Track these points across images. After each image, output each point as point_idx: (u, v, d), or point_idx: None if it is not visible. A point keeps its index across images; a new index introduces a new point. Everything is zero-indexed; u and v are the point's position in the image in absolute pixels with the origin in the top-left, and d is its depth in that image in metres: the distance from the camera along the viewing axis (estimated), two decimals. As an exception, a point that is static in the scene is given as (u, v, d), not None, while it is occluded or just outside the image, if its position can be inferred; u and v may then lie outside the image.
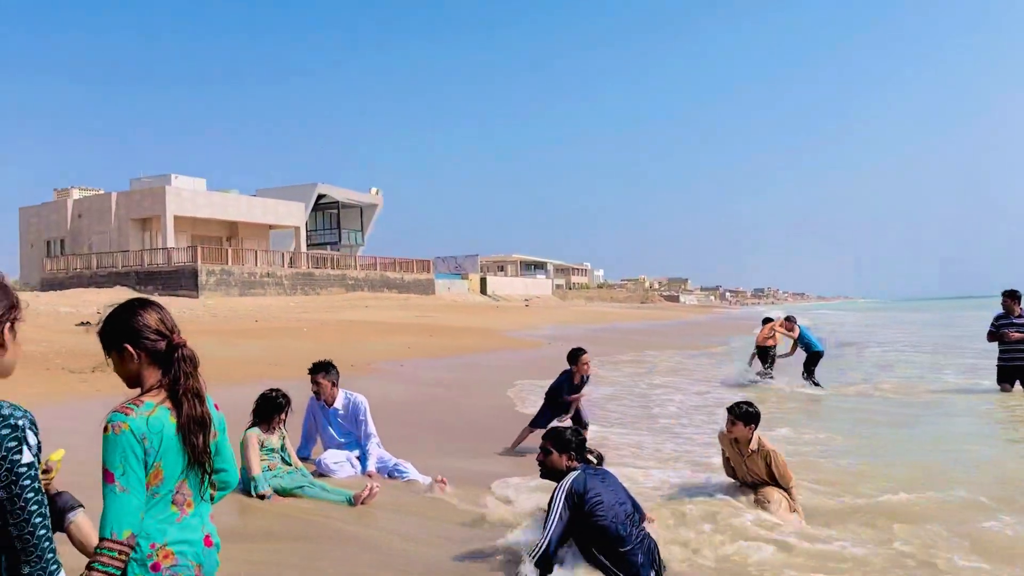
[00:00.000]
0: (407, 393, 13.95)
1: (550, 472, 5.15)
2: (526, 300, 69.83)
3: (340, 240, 65.41)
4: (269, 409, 6.91)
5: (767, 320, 17.26)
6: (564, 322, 45.53)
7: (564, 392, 9.43)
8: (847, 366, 20.94)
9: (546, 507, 5.15)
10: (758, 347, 16.64)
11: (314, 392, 7.76)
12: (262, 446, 6.81)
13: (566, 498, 4.79)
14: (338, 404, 7.81)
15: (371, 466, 7.52)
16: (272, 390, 6.99)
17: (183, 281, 44.98)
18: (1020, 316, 12.87)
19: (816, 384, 15.66)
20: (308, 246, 61.14)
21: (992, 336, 13.13)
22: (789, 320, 16.88)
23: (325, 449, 7.75)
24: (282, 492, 6.67)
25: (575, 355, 9.49)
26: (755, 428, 6.57)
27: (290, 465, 7.00)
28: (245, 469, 6.65)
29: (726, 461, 6.93)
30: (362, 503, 6.56)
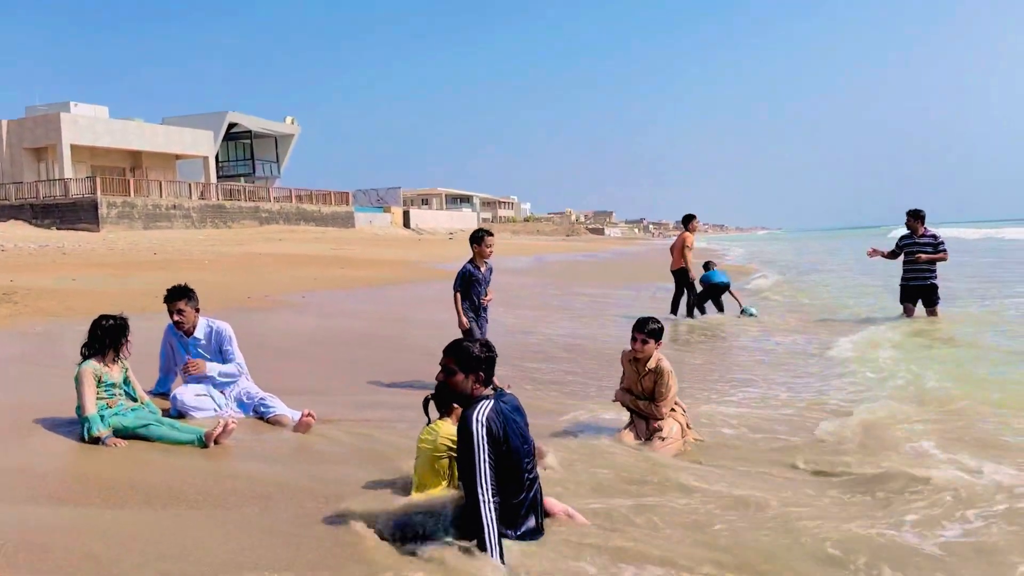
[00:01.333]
0: (311, 327, 13.06)
1: (453, 397, 4.27)
2: (451, 234, 68.79)
3: (254, 171, 62.80)
4: (105, 338, 6.01)
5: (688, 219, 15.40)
6: (494, 254, 44.81)
7: (474, 283, 8.46)
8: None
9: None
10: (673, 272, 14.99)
11: (176, 322, 6.86)
12: (99, 381, 5.93)
13: (489, 440, 3.93)
14: (199, 333, 6.93)
15: (211, 370, 6.75)
16: (106, 316, 6.07)
17: (82, 214, 42.46)
18: (924, 236, 12.75)
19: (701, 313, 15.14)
20: (220, 178, 58.51)
21: (894, 255, 13.05)
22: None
23: (185, 384, 6.90)
24: (124, 432, 5.83)
25: (478, 236, 8.55)
26: (658, 345, 6.15)
27: (135, 401, 6.15)
28: (79, 409, 5.79)
29: (622, 379, 6.42)
30: (215, 442, 5.78)
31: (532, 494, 4.19)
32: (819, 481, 5.36)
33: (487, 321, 8.72)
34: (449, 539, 4.02)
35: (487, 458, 3.91)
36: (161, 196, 46.19)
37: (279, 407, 6.67)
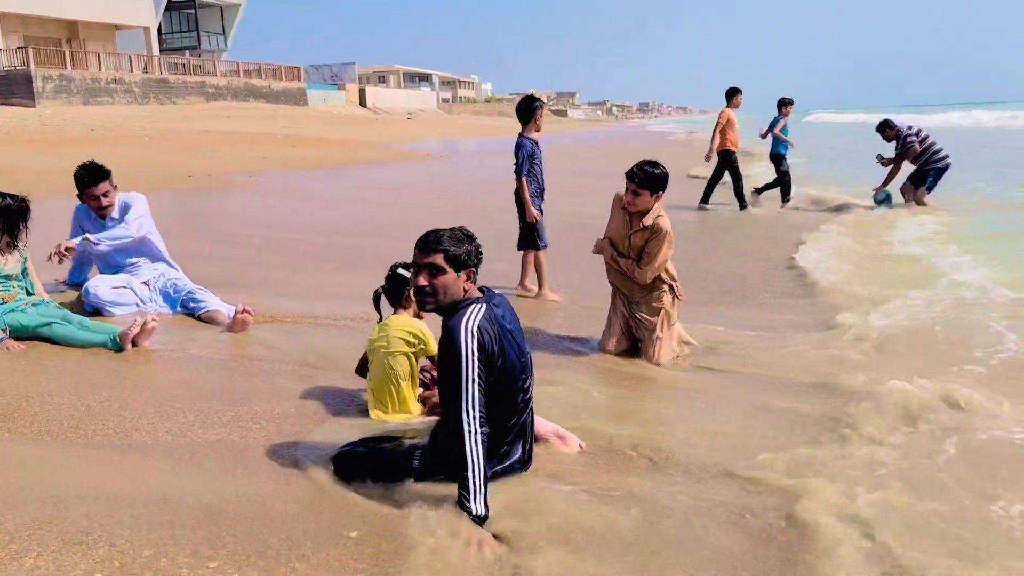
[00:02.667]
0: (256, 210, 11.97)
1: (438, 306, 3.24)
2: (409, 113, 66.33)
3: (200, 44, 59.09)
4: (-7, 221, 5.00)
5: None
6: (451, 135, 43.12)
7: (537, 161, 6.79)
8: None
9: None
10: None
11: (96, 208, 5.81)
12: (-11, 273, 4.96)
13: (480, 356, 3.09)
14: (115, 213, 5.91)
15: (155, 289, 5.80)
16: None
17: (15, 88, 39.66)
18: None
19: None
20: (162, 51, 55.02)
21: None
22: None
23: (100, 275, 5.94)
24: (23, 332, 4.92)
25: (533, 107, 6.77)
26: (658, 198, 5.07)
27: (34, 296, 5.20)
28: (-34, 305, 4.85)
29: (608, 225, 5.33)
30: (133, 344, 4.89)
31: (524, 418, 3.41)
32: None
33: (543, 212, 7.02)
34: (421, 481, 3.27)
35: (477, 379, 3.08)
36: (100, 69, 43.25)
37: (211, 302, 5.76)
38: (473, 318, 3.15)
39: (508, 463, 3.39)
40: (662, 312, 5.17)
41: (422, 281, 3.21)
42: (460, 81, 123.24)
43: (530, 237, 6.78)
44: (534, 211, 6.72)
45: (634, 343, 5.28)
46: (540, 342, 5.46)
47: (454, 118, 73.61)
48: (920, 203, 12.25)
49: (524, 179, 6.69)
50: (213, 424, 3.84)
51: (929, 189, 12.37)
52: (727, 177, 12.65)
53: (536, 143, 6.80)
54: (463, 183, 16.52)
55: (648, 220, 5.04)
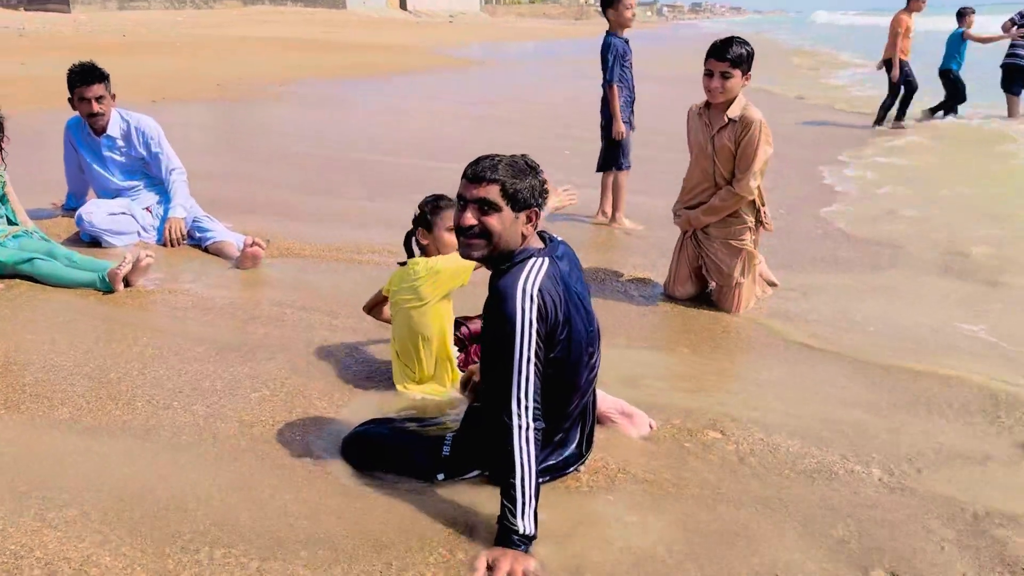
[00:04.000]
0: (284, 122, 11.18)
1: (490, 254, 2.46)
2: (451, 16, 64.10)
3: (236, -55, 57.27)
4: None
5: None
6: (496, 39, 41.35)
7: (626, 64, 5.74)
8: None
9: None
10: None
11: (87, 114, 5.09)
12: (-39, 200, 4.31)
13: (540, 327, 2.34)
14: (113, 131, 5.18)
15: (177, 212, 5.11)
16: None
17: (50, -7, 38.93)
18: None
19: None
20: (199, -48, 53.46)
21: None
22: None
23: (97, 200, 5.26)
24: (0, 268, 4.29)
25: None
26: (747, 79, 4.09)
27: (16, 226, 4.55)
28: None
29: (691, 156, 4.40)
30: (126, 284, 4.24)
31: (586, 399, 2.66)
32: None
33: (633, 128, 5.92)
34: (452, 477, 2.59)
35: (534, 358, 2.31)
36: (135, -28, 42.20)
37: (219, 231, 5.05)
38: (533, 277, 2.37)
39: (563, 456, 2.67)
40: (743, 253, 4.28)
41: (469, 219, 2.42)
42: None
43: (612, 155, 5.86)
44: (622, 125, 5.73)
45: (705, 285, 4.47)
46: (597, 283, 4.67)
47: (497, 21, 71.13)
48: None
49: (615, 86, 5.68)
50: (204, 393, 3.17)
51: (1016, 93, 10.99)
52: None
53: (627, 42, 5.78)
54: (509, 94, 15.48)
55: (735, 111, 4.09)
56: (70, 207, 5.49)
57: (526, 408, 2.32)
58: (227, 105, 12.13)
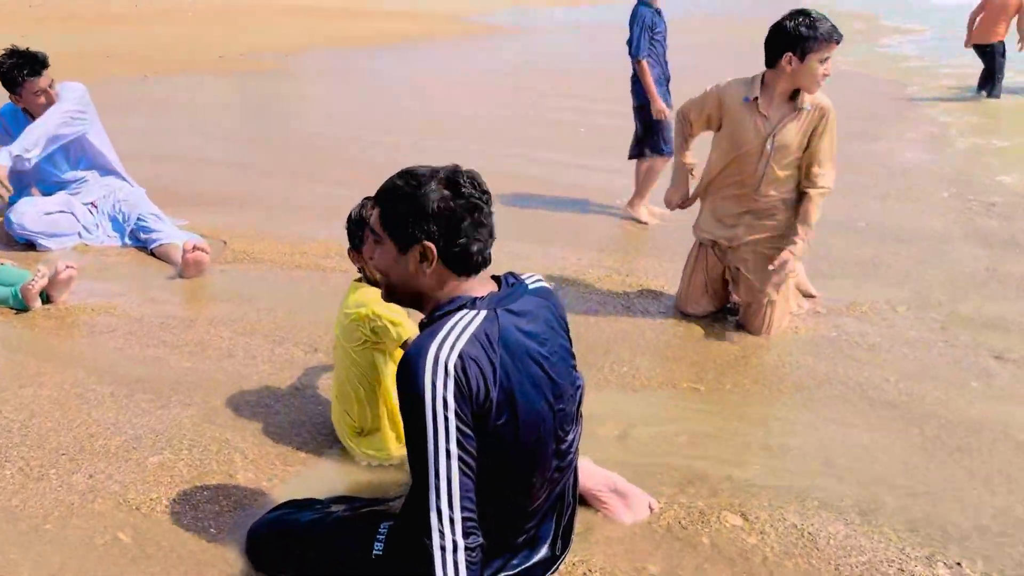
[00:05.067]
0: (277, 101, 10.51)
1: (397, 297, 1.86)
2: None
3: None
4: None
5: None
6: (526, 3, 40.19)
7: (658, 37, 5.03)
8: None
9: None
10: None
11: (38, 106, 4.43)
12: None
13: (461, 409, 1.65)
14: (52, 114, 4.53)
15: (104, 212, 4.42)
16: None
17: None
18: None
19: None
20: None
21: None
22: None
23: (30, 196, 4.63)
24: (-95, 282, 3.69)
25: None
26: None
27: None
28: None
29: (682, 151, 3.65)
30: (46, 300, 3.62)
31: (559, 488, 1.99)
32: None
33: (670, 106, 5.00)
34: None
35: (456, 452, 1.65)
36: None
37: (166, 232, 4.39)
38: (453, 339, 1.68)
39: (528, 563, 2.00)
40: (780, 263, 3.51)
41: (366, 252, 2.05)
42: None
43: (652, 139, 5.08)
44: (661, 103, 4.94)
45: (725, 300, 3.74)
46: (592, 294, 3.97)
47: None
48: None
49: (644, 62, 4.93)
50: (92, 456, 2.54)
51: None
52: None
53: (659, 12, 5.01)
54: (539, 67, 14.63)
55: (804, 99, 3.30)
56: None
57: (451, 521, 1.64)
58: (223, 79, 11.47)
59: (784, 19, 3.23)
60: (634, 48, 4.90)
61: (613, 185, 5.83)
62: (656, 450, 2.68)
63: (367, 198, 2.46)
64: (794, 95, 3.32)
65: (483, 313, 1.74)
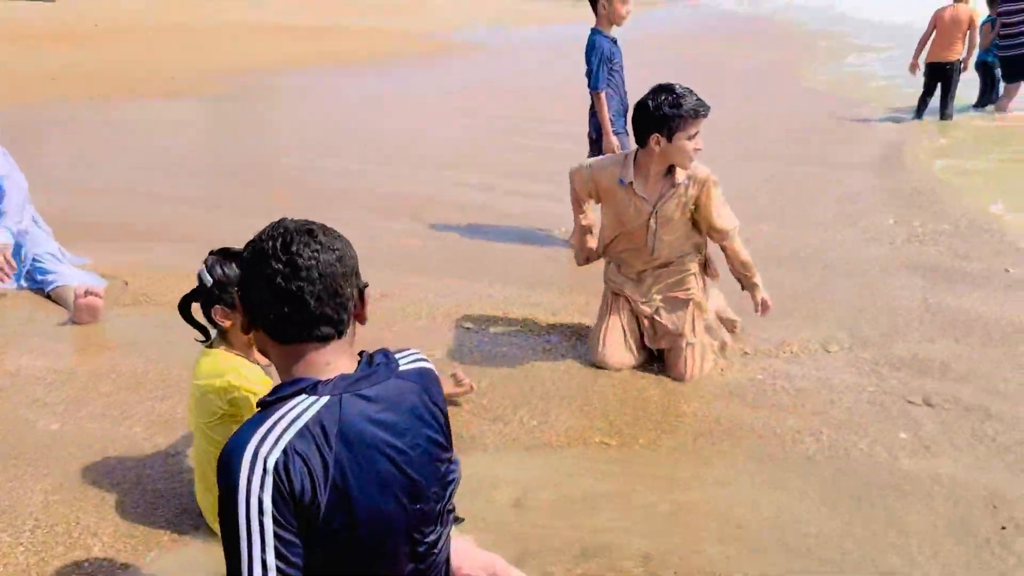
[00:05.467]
0: (229, 124, 10.25)
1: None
2: (449, -2, 62.75)
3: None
4: None
5: None
6: (502, 20, 40.14)
7: (615, 68, 4.80)
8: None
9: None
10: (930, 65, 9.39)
11: None
12: None
13: (274, 511, 1.40)
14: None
15: (3, 236, 4.08)
16: None
17: (33, -21, 37.96)
18: None
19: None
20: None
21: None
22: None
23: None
24: None
25: None
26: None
27: None
28: None
29: (579, 225, 3.59)
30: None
31: None
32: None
33: (628, 135, 4.74)
34: None
35: (274, 562, 1.40)
36: (120, -43, 41.15)
37: (64, 274, 4.12)
38: (279, 431, 1.44)
39: None
40: (690, 305, 3.40)
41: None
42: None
43: None
44: (613, 138, 4.74)
45: (643, 352, 3.52)
46: (514, 336, 3.76)
47: (489, 3, 69.72)
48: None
49: (603, 94, 4.71)
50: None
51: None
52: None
53: (615, 42, 4.79)
54: (498, 86, 14.48)
55: (680, 173, 3.22)
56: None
57: None
58: (165, 104, 11.15)
59: (647, 98, 3.14)
60: (593, 80, 4.71)
61: (556, 213, 5.63)
62: (554, 518, 2.46)
63: (211, 252, 2.26)
64: (671, 168, 3.23)
65: (324, 400, 1.50)
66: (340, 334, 1.56)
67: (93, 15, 28.69)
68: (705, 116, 3.13)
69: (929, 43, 9.30)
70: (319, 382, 1.52)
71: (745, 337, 3.73)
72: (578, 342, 3.70)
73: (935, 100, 9.35)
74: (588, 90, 4.78)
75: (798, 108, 10.70)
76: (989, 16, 9.77)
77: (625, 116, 4.88)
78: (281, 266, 1.51)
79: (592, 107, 4.83)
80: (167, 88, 12.09)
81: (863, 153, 7.80)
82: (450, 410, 3.05)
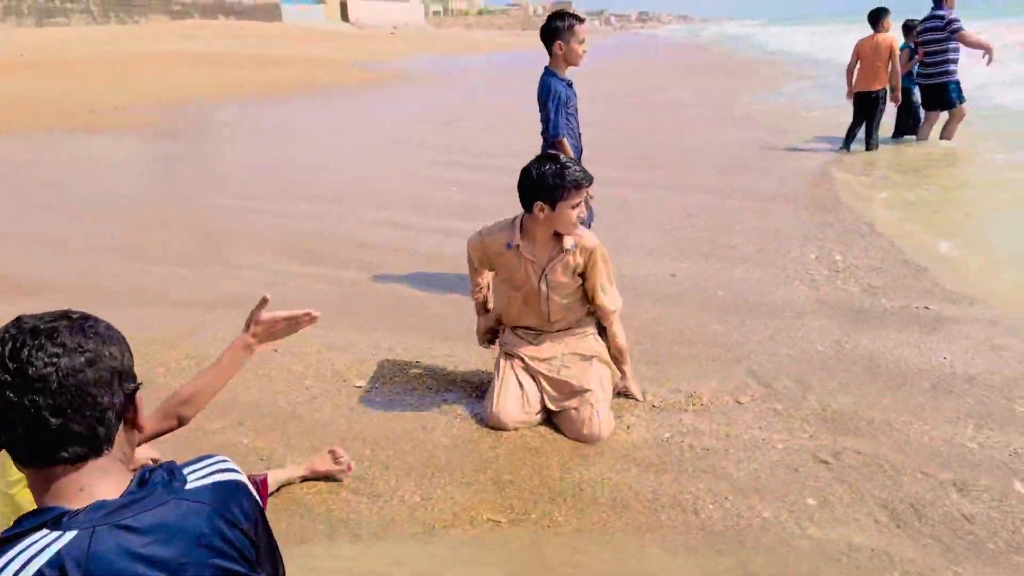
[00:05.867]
0: (141, 159, 9.86)
1: None
2: (393, 28, 62.95)
3: (167, -43, 55.52)
4: None
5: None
6: (436, 51, 40.25)
7: (570, 112, 4.46)
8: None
9: None
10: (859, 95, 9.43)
11: None
12: None
13: None
14: None
15: None
16: None
17: (-40, 9, 36.97)
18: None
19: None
20: (127, -35, 51.68)
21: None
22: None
23: None
24: None
25: (566, 24, 4.31)
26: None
27: None
28: None
29: (489, 302, 3.54)
30: None
31: None
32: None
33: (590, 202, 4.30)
34: None
35: None
36: (53, -15, 40.36)
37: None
38: None
39: None
40: (595, 360, 3.24)
41: None
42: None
43: None
44: None
45: (542, 412, 3.31)
46: (407, 396, 3.50)
47: (441, 32, 70.34)
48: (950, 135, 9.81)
49: (564, 140, 4.37)
50: None
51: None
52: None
53: (570, 85, 4.45)
54: (426, 117, 14.32)
55: (568, 239, 3.17)
56: None
57: None
58: (75, 137, 10.74)
59: (531, 165, 3.09)
60: (552, 127, 4.40)
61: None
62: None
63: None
64: (560, 233, 3.17)
65: (69, 536, 1.23)
66: (98, 452, 1.29)
67: (20, 45, 27.94)
68: (588, 186, 3.12)
69: (856, 72, 9.39)
70: (66, 513, 1.25)
71: (655, 388, 3.54)
72: (477, 400, 3.46)
73: (863, 130, 9.43)
74: (542, 136, 4.47)
75: (730, 138, 10.71)
76: (906, 44, 9.91)
77: (579, 157, 4.57)
78: (9, 377, 1.24)
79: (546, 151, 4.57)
80: (84, 121, 11.67)
81: (789, 185, 7.77)
82: (327, 487, 2.81)
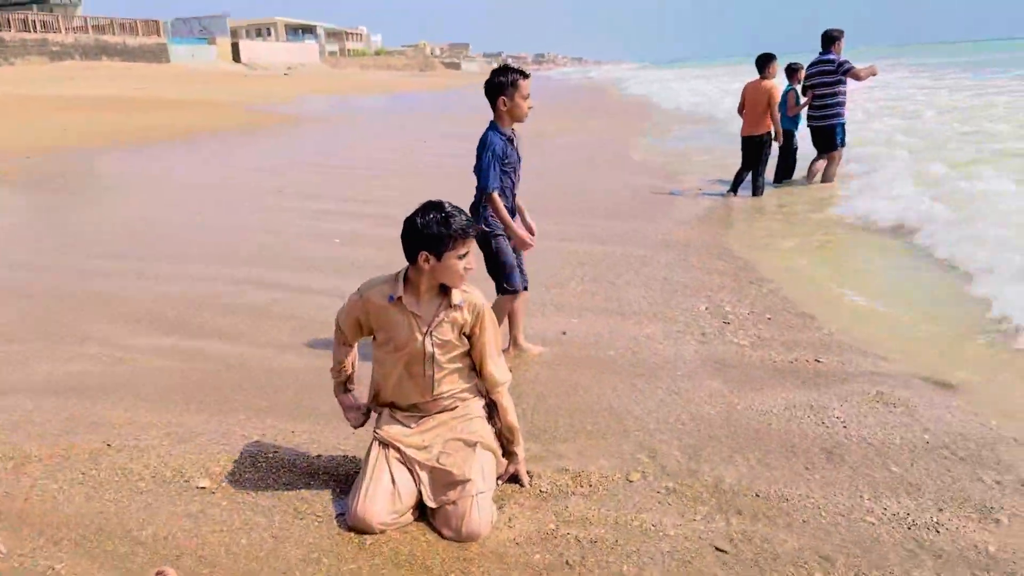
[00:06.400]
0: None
1: None
2: (287, 69, 61.99)
3: (47, -1, 53.21)
4: None
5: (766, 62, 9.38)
6: (332, 92, 39.62)
7: (508, 167, 4.24)
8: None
9: None
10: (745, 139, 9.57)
11: None
12: None
13: None
14: None
15: None
16: None
17: None
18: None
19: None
20: (3, 6, 49.23)
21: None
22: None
23: None
24: None
25: (511, 79, 4.11)
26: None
27: None
28: None
29: (352, 382, 3.24)
30: None
31: None
32: None
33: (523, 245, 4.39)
34: None
35: None
36: (-87, 26, 38.02)
37: None
38: None
39: None
40: (478, 448, 2.92)
41: None
42: (348, 33, 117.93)
43: (503, 274, 4.38)
44: (524, 233, 4.29)
45: (416, 506, 2.96)
46: (248, 499, 3.09)
47: (338, 72, 69.83)
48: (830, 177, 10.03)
49: (495, 195, 4.15)
50: None
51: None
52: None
53: (511, 141, 4.22)
54: (312, 161, 13.84)
55: (456, 295, 2.93)
56: None
57: None
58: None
59: (415, 215, 2.85)
60: (483, 179, 4.15)
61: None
62: None
63: None
64: (447, 288, 2.92)
65: None
66: None
67: None
68: (474, 237, 2.88)
69: (744, 117, 9.51)
70: None
71: (541, 467, 3.25)
72: (341, 494, 3.07)
73: (750, 175, 9.52)
74: (479, 189, 4.23)
75: (624, 183, 10.69)
76: (789, 86, 10.13)
77: (513, 215, 4.36)
78: None
79: (477, 204, 4.29)
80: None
81: (679, 231, 7.71)
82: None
